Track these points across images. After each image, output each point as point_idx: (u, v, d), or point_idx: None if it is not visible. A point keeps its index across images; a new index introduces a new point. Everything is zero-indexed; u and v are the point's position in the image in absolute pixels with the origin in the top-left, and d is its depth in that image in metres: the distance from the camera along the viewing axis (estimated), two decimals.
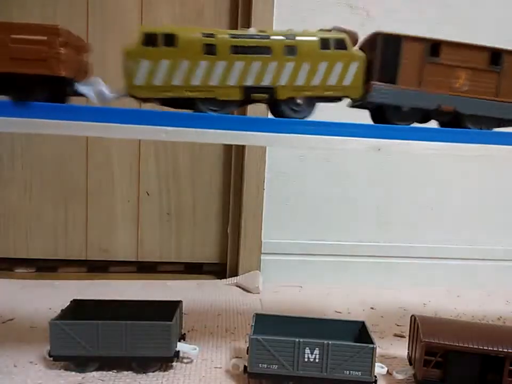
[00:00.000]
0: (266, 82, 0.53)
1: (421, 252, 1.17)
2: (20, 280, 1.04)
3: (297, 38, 0.53)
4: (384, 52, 0.54)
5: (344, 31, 0.56)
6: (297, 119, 0.55)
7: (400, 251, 1.16)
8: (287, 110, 0.55)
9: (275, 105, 0.55)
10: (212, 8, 1.09)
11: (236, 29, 1.06)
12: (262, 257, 1.12)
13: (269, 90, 0.53)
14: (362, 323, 0.68)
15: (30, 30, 0.51)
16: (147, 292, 1.01)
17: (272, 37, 0.53)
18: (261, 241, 1.11)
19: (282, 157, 1.10)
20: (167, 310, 0.68)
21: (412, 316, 0.68)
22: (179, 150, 1.12)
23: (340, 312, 0.95)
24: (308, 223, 1.13)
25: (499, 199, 1.18)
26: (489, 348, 0.59)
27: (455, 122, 0.56)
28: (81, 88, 0.55)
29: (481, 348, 0.59)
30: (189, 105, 0.53)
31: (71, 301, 0.70)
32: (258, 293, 1.04)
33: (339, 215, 1.14)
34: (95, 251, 1.14)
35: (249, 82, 0.53)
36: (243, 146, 1.08)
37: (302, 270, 1.13)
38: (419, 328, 0.63)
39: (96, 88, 0.55)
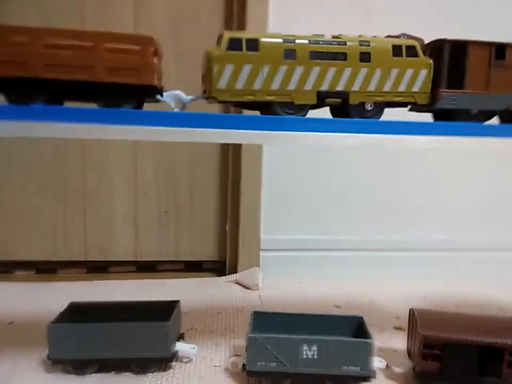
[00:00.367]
0: (340, 87, 0.55)
1: (421, 246, 1.17)
2: (20, 282, 1.04)
3: (372, 44, 0.55)
4: (451, 59, 0.56)
5: (412, 37, 0.58)
6: (291, 117, 0.56)
7: (400, 245, 1.16)
8: (355, 114, 0.56)
9: (344, 108, 0.57)
10: (208, 8, 1.08)
11: (231, 28, 1.05)
12: (261, 253, 1.12)
13: (343, 95, 0.55)
14: (361, 318, 0.68)
15: (123, 40, 0.52)
16: (146, 291, 1.01)
17: (348, 43, 0.54)
18: (260, 238, 1.11)
19: (280, 153, 1.10)
20: (165, 310, 0.68)
21: (410, 310, 0.68)
22: (176, 148, 1.12)
23: (339, 307, 0.95)
24: (306, 219, 1.13)
25: (499, 196, 1.18)
26: (488, 340, 0.59)
27: None
28: (164, 95, 0.57)
29: (480, 340, 0.59)
30: (267, 108, 0.55)
31: (68, 304, 0.70)
32: (258, 290, 1.04)
33: (338, 210, 1.14)
34: (94, 251, 1.14)
35: (325, 87, 0.55)
36: (240, 144, 1.08)
37: (302, 265, 1.13)
38: (417, 321, 0.63)
39: (173, 94, 0.58)
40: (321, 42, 0.54)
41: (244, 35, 0.53)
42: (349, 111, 0.56)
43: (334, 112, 0.60)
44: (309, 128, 0.54)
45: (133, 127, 0.52)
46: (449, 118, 0.58)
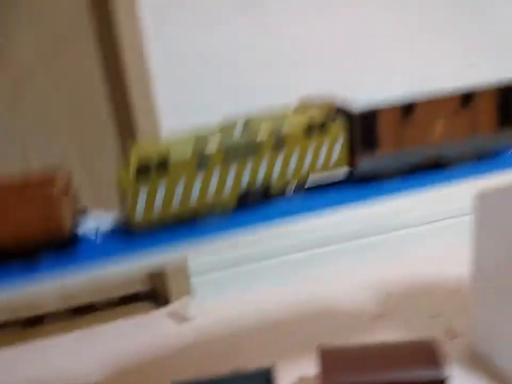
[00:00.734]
0: (259, 181, 0.54)
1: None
2: None
3: (283, 130, 0.54)
4: (363, 126, 0.56)
5: (315, 101, 0.59)
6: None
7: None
8: (279, 197, 0.56)
9: (266, 198, 0.56)
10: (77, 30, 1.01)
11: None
12: (192, 279, 1.10)
13: (263, 187, 0.54)
14: (269, 370, 0.67)
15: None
16: (82, 345, 0.98)
17: (259, 136, 0.53)
18: (188, 265, 1.09)
19: None
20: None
21: (318, 348, 0.67)
22: None
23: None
24: None
25: None
26: (393, 378, 0.60)
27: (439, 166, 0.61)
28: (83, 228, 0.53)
29: (383, 379, 0.60)
30: (190, 219, 0.53)
31: None
32: (192, 320, 1.03)
33: None
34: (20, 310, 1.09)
35: (244, 184, 0.53)
36: None
37: (236, 282, 1.12)
38: (320, 362, 0.63)
39: (93, 222, 0.54)
40: (231, 144, 0.52)
41: (151, 156, 0.49)
42: (272, 199, 0.56)
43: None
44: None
45: None
46: (371, 180, 0.59)
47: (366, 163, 0.57)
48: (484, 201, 0.73)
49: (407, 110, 0.57)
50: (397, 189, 0.58)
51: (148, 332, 1.01)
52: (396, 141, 0.58)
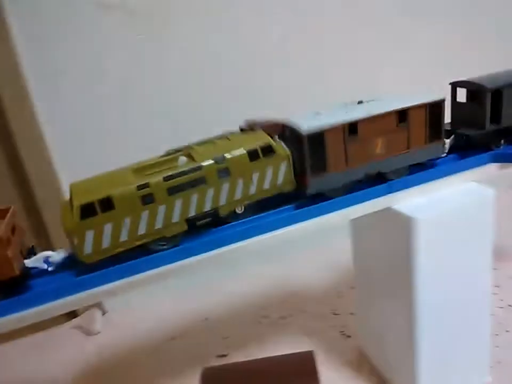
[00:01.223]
0: (207, 207, 0.54)
1: None
2: None
3: (227, 157, 0.54)
4: (311, 147, 0.58)
5: (266, 123, 0.59)
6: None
7: None
8: (228, 220, 0.57)
9: (216, 222, 0.57)
10: None
11: None
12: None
13: (212, 213, 0.55)
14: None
15: None
16: None
17: (203, 165, 0.53)
18: None
19: None
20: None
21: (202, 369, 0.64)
22: None
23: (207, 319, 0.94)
24: None
25: None
26: None
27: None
28: (29, 264, 0.52)
29: None
30: (140, 248, 0.53)
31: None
32: (97, 334, 1.01)
33: None
34: None
35: (192, 213, 0.53)
36: None
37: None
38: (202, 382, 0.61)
39: (41, 257, 0.53)
40: (176, 176, 0.52)
41: (94, 196, 0.49)
42: (221, 222, 0.57)
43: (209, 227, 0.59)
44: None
45: None
46: (321, 198, 0.62)
47: (316, 183, 0.59)
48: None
49: (351, 129, 0.60)
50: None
51: (54, 345, 0.98)
52: (343, 160, 0.60)
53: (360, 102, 0.65)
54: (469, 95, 0.72)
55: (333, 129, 0.59)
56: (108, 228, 0.50)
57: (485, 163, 0.68)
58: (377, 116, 0.61)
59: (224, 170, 0.54)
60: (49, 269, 0.54)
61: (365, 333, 0.81)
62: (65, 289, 0.51)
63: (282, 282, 1.09)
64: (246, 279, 1.11)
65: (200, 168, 0.53)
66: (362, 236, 0.73)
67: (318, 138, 0.58)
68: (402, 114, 0.63)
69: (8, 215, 0.52)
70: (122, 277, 0.53)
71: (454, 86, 0.73)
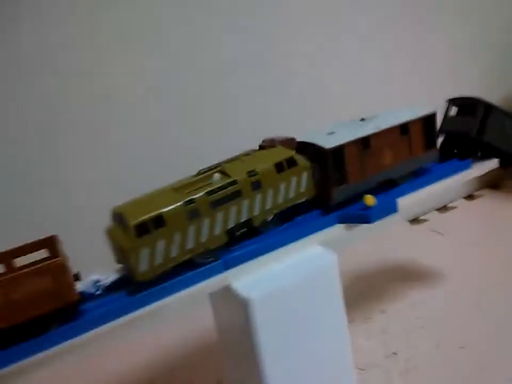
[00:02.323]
0: (244, 218, 0.60)
1: None
2: None
3: (258, 171, 0.60)
4: (334, 162, 0.65)
5: (284, 140, 0.66)
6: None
7: None
8: (260, 228, 0.62)
9: (250, 231, 0.62)
10: None
11: None
12: None
13: (247, 223, 0.60)
14: None
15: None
16: None
17: (238, 179, 0.58)
18: None
19: None
20: None
21: None
22: None
23: None
24: None
25: None
26: None
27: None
28: (80, 289, 0.54)
29: None
30: (187, 263, 0.57)
31: None
32: None
33: None
34: None
35: (231, 224, 0.58)
36: None
37: None
38: None
39: (90, 281, 0.55)
40: (217, 191, 0.57)
41: (146, 215, 0.53)
42: (255, 231, 0.63)
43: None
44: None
45: None
46: (338, 208, 0.68)
47: (338, 194, 0.66)
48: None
49: (365, 143, 0.68)
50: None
51: None
52: (359, 171, 0.68)
53: (362, 119, 0.73)
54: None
55: (351, 144, 0.66)
56: (160, 245, 0.53)
57: (331, 225, 0.66)
58: (385, 130, 0.70)
59: (256, 183, 0.59)
60: (97, 292, 0.56)
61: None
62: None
63: None
64: None
65: (235, 182, 0.59)
66: (217, 308, 0.68)
67: (339, 153, 0.65)
68: (404, 127, 0.72)
69: (57, 242, 0.54)
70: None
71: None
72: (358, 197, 0.67)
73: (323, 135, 0.68)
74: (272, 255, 0.59)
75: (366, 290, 1.06)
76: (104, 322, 0.52)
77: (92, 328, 0.52)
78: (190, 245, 0.56)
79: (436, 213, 1.37)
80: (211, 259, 0.58)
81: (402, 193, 0.70)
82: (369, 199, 0.61)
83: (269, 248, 0.60)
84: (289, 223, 0.63)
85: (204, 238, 0.57)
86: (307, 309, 0.57)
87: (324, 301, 0.58)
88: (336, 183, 0.66)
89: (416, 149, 0.74)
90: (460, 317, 0.90)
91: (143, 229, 0.52)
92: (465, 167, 0.77)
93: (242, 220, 0.60)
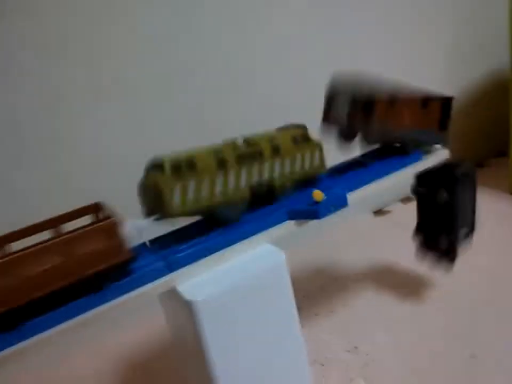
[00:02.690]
0: (265, 178, 0.65)
1: None
2: None
3: (277, 137, 0.68)
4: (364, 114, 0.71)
5: (298, 125, 0.72)
6: None
7: None
8: (280, 194, 0.68)
9: (269, 194, 0.67)
10: None
11: None
12: None
13: (268, 185, 0.66)
14: None
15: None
16: None
17: (260, 143, 0.65)
18: None
19: None
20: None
21: None
22: None
23: None
24: None
25: None
26: None
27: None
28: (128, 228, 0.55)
29: None
30: (210, 212, 0.61)
31: None
32: None
33: None
34: None
35: (254, 181, 0.64)
36: None
37: None
38: None
39: (135, 225, 0.56)
40: (242, 147, 0.64)
41: (180, 158, 0.58)
42: (275, 194, 0.67)
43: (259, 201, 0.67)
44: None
45: None
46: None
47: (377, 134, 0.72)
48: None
49: (393, 100, 0.72)
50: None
51: None
52: (385, 118, 0.72)
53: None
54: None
55: (379, 101, 0.71)
56: (191, 185, 0.58)
57: (281, 222, 0.64)
58: (410, 95, 0.76)
59: (275, 148, 0.66)
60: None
61: None
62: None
63: None
64: None
65: (258, 144, 0.65)
66: (166, 310, 0.67)
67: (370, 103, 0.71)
68: (425, 100, 0.77)
69: (104, 207, 0.56)
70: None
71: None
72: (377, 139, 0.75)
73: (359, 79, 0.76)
74: (221, 255, 0.58)
75: (329, 283, 1.06)
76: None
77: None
78: (218, 190, 0.60)
79: (400, 204, 1.40)
80: (235, 212, 0.62)
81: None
82: (318, 194, 0.60)
83: (218, 247, 0.58)
84: (235, 223, 0.62)
85: (230, 189, 0.61)
86: (257, 308, 0.57)
87: (274, 299, 0.58)
88: (366, 125, 0.72)
89: (431, 124, 0.79)
90: (419, 309, 0.91)
91: (177, 168, 0.57)
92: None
93: (264, 180, 0.65)
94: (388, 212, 1.39)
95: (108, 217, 0.52)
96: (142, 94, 0.99)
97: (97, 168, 0.97)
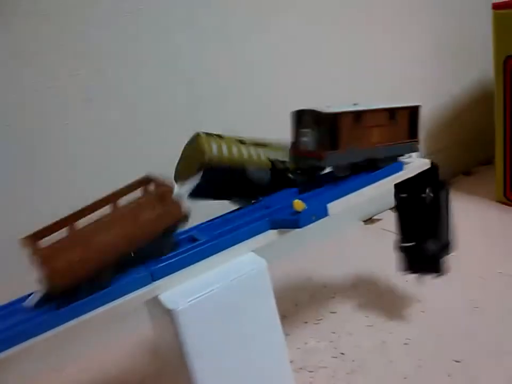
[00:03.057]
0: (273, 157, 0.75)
1: None
2: None
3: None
4: (330, 128, 0.69)
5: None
6: None
7: None
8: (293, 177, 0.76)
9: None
10: None
11: None
12: None
13: (283, 163, 0.76)
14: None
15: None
16: None
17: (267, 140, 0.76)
18: None
19: None
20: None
21: None
22: None
23: None
24: None
25: None
26: None
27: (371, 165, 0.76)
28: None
29: None
30: (243, 171, 0.71)
31: None
32: None
33: None
34: None
35: (271, 156, 0.74)
36: None
37: None
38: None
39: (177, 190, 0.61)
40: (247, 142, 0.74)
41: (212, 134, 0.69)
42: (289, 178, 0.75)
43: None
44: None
45: None
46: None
47: (330, 158, 0.70)
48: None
49: (357, 117, 0.71)
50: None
51: None
52: (350, 141, 0.71)
53: (355, 104, 0.76)
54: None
55: (346, 114, 0.70)
56: (224, 146, 0.69)
57: (263, 231, 0.64)
58: (375, 110, 0.74)
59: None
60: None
61: None
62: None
63: None
64: None
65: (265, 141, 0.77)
66: (152, 319, 0.67)
67: (335, 120, 0.69)
68: (392, 112, 0.76)
69: (153, 178, 0.61)
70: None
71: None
72: (346, 168, 0.74)
73: (322, 107, 0.72)
74: (203, 264, 0.59)
75: (318, 290, 1.08)
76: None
77: None
78: (244, 155, 0.71)
79: (390, 212, 1.42)
80: (264, 175, 0.72)
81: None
82: (298, 204, 0.61)
83: (200, 256, 0.59)
84: (221, 231, 0.63)
85: (253, 156, 0.72)
86: (238, 316, 0.57)
87: (256, 306, 0.58)
88: (330, 147, 0.70)
89: (399, 136, 0.78)
90: (405, 316, 0.92)
91: (210, 136, 0.68)
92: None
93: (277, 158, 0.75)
94: (378, 220, 1.40)
95: (161, 185, 0.59)
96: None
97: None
